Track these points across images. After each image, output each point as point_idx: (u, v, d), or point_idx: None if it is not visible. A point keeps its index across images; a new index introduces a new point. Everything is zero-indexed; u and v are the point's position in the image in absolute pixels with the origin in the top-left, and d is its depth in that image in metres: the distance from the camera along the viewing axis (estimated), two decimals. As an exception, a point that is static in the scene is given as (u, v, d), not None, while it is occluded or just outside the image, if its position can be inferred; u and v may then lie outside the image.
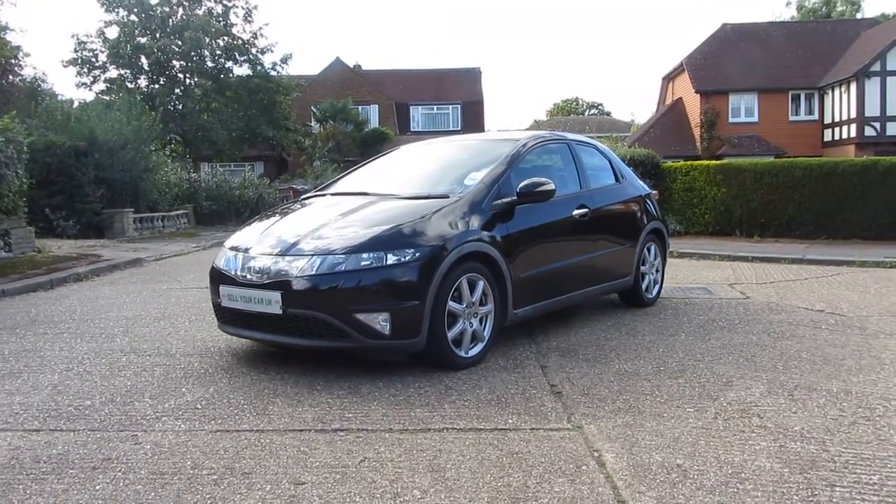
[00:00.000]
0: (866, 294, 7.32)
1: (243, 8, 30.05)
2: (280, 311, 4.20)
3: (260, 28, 30.54)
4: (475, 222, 4.63)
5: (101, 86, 29.45)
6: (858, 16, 43.95)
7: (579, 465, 2.97)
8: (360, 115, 35.24)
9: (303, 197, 5.85)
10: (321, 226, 4.57)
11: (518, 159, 5.28)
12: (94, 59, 29.31)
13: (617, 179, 6.47)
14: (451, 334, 4.35)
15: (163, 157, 20.32)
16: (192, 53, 28.95)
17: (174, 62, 29.63)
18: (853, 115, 28.11)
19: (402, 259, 4.19)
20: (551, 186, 4.96)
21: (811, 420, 3.48)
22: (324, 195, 5.62)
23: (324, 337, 4.20)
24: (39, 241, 12.45)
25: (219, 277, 4.67)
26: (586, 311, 6.35)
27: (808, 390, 3.96)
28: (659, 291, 6.86)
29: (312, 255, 4.26)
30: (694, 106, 31.26)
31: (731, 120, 30.53)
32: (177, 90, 30.06)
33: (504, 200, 4.86)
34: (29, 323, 6.23)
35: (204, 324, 5.93)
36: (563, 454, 3.08)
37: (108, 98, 24.01)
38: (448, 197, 4.75)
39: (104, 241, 15.00)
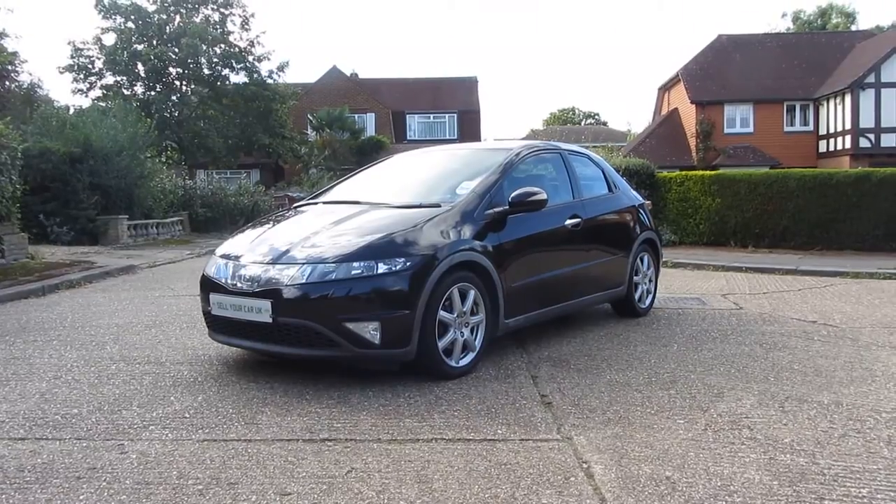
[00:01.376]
0: (859, 305, 7.32)
1: (240, 16, 30.20)
2: (270, 320, 4.18)
3: (257, 36, 30.64)
4: (467, 232, 4.62)
5: (97, 92, 29.56)
6: (853, 28, 44.29)
7: (567, 477, 2.95)
8: (356, 123, 35.33)
9: (295, 205, 5.84)
10: (312, 234, 4.56)
11: (510, 169, 5.27)
12: (90, 66, 29.36)
13: (610, 189, 6.48)
14: (441, 344, 4.33)
15: (158, 164, 20.28)
16: (189, 61, 29.01)
17: (171, 69, 29.69)
18: (848, 126, 28.26)
19: (393, 268, 4.17)
20: (543, 196, 4.96)
21: (801, 432, 3.47)
22: (316, 203, 5.62)
23: (314, 346, 4.19)
24: (33, 248, 12.41)
25: (209, 285, 4.65)
26: (579, 321, 6.34)
27: (799, 402, 3.95)
28: (652, 301, 6.85)
29: (303, 263, 4.25)
30: (690, 116, 31.39)
31: (726, 130, 30.64)
32: (173, 97, 30.11)
33: (496, 210, 4.85)
34: (19, 330, 6.20)
35: (195, 332, 5.90)
36: (551, 465, 3.07)
37: (104, 105, 23.97)
38: (440, 206, 4.74)
39: (98, 248, 14.94)
